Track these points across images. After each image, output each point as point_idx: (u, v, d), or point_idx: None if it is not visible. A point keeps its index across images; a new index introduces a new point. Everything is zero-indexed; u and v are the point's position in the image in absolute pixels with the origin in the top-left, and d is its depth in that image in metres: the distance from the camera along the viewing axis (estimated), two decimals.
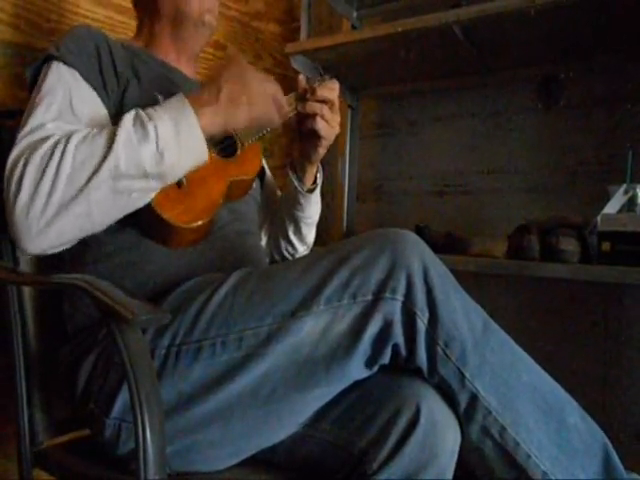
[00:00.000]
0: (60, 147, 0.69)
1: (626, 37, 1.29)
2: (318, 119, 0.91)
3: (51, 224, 0.68)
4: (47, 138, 0.71)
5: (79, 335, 0.81)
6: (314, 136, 0.94)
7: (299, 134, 0.97)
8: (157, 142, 0.70)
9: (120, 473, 0.73)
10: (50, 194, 0.67)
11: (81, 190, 0.68)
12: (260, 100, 0.80)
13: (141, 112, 0.72)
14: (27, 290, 0.86)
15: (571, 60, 1.41)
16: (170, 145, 0.71)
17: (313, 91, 0.91)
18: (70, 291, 0.83)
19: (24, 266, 0.84)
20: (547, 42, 1.32)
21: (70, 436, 0.87)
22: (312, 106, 0.91)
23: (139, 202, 0.74)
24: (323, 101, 0.91)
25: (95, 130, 0.72)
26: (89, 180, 0.68)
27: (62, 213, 0.68)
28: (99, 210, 0.70)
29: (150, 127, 0.70)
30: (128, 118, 0.71)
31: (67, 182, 0.68)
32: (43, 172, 0.68)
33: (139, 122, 0.70)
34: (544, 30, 1.24)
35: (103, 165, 0.68)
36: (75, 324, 0.82)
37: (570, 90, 1.43)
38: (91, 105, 0.81)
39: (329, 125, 0.93)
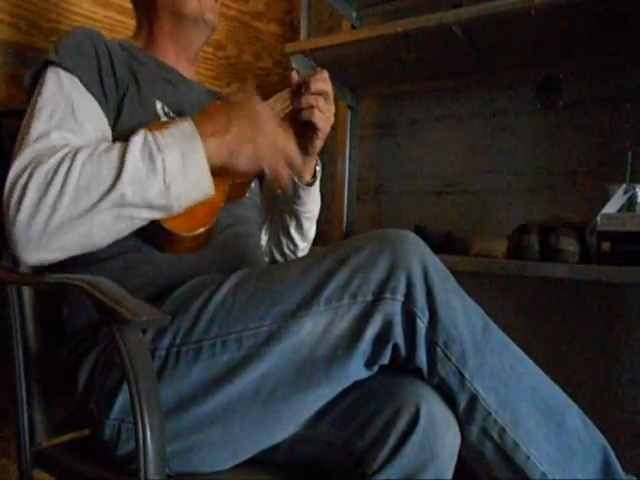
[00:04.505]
0: (65, 164, 0.68)
1: (625, 37, 1.29)
2: (314, 111, 0.91)
3: (51, 240, 0.68)
4: (52, 151, 0.71)
5: (79, 335, 0.81)
6: (310, 128, 0.94)
7: (295, 129, 0.97)
8: (164, 176, 0.69)
9: (120, 473, 0.73)
10: (52, 212, 0.67)
11: (84, 213, 0.68)
12: (267, 149, 0.77)
13: (150, 139, 0.71)
14: (27, 290, 0.86)
15: (571, 60, 1.41)
16: (177, 179, 0.70)
17: (307, 85, 0.91)
18: (70, 291, 0.83)
19: (24, 266, 0.84)
20: (547, 42, 1.32)
21: (70, 436, 0.87)
22: (307, 99, 0.91)
23: (141, 224, 0.73)
24: (318, 93, 0.91)
25: (101, 148, 0.71)
26: (93, 206, 0.68)
27: (63, 231, 0.68)
28: (100, 232, 0.70)
29: (158, 160, 0.69)
30: (136, 146, 0.70)
31: (70, 204, 0.67)
32: (46, 188, 0.67)
33: (147, 152, 0.69)
34: (544, 30, 1.24)
35: (109, 194, 0.68)
36: (75, 324, 0.82)
37: (570, 90, 1.43)
38: (91, 112, 0.81)
39: (324, 115, 0.93)
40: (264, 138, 0.77)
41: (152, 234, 0.79)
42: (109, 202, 0.68)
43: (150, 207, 0.70)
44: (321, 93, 0.91)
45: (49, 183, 0.68)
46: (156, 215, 0.73)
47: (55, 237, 0.68)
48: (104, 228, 0.70)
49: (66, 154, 0.70)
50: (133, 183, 0.68)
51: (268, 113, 0.80)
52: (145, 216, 0.72)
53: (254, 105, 0.79)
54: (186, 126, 0.74)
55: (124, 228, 0.72)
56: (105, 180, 0.68)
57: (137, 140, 0.71)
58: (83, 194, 0.67)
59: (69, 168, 0.68)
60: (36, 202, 0.67)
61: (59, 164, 0.69)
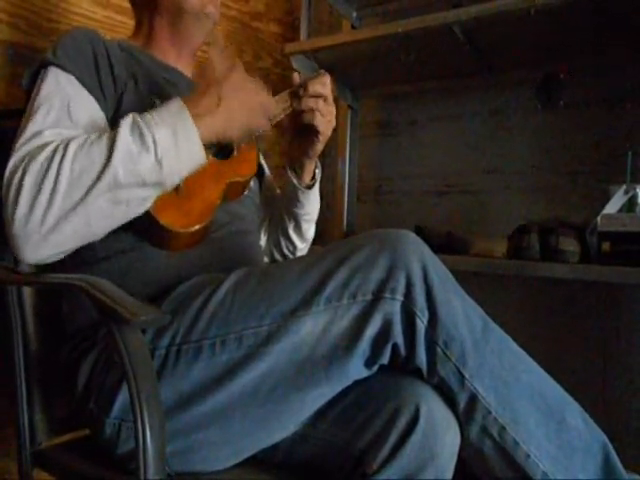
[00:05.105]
0: (58, 156, 0.68)
1: (625, 38, 1.29)
2: (315, 114, 0.91)
3: (50, 234, 0.68)
4: (45, 146, 0.71)
5: (79, 335, 0.81)
6: (311, 131, 0.94)
7: (296, 131, 0.97)
8: (156, 151, 0.69)
9: (120, 473, 0.73)
10: (48, 205, 0.67)
11: (80, 201, 0.67)
12: (255, 111, 0.81)
13: (138, 119, 0.71)
14: (27, 290, 0.86)
15: (571, 60, 1.41)
16: (168, 153, 0.70)
17: (306, 87, 0.91)
18: (70, 291, 0.83)
19: (24, 266, 0.84)
20: (547, 42, 1.32)
21: (70, 436, 0.87)
22: (307, 102, 0.91)
23: (138, 210, 0.73)
24: (317, 96, 0.91)
25: (93, 137, 0.71)
26: (88, 192, 0.67)
27: (61, 223, 0.68)
28: (98, 220, 0.70)
29: (148, 136, 0.69)
30: (125, 125, 0.70)
31: (65, 193, 0.67)
32: (41, 183, 0.67)
33: (137, 130, 0.69)
34: (544, 30, 1.24)
35: (102, 177, 0.67)
36: (75, 324, 0.82)
37: (570, 90, 1.43)
38: (89, 111, 0.81)
39: (325, 119, 0.93)
40: (252, 106, 0.80)
41: (149, 231, 0.79)
42: (102, 185, 0.67)
43: (144, 184, 0.70)
44: (319, 96, 0.91)
45: (43, 177, 0.67)
46: (151, 193, 0.72)
47: (54, 230, 0.68)
48: (101, 215, 0.69)
49: (57, 146, 0.70)
50: (124, 162, 0.68)
51: (248, 77, 0.82)
52: (140, 195, 0.71)
53: (239, 72, 0.81)
54: (174, 103, 0.74)
55: (121, 213, 0.71)
56: (96, 165, 0.68)
57: (126, 122, 0.71)
58: (77, 183, 0.67)
59: (61, 159, 0.68)
60: (32, 197, 0.67)
61: (52, 157, 0.69)
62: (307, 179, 1.03)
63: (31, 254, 0.69)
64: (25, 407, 0.83)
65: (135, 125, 0.70)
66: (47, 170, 0.68)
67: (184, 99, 0.74)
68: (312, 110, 0.91)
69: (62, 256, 0.73)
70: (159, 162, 0.69)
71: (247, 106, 0.80)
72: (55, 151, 0.69)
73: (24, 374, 0.83)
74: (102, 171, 0.67)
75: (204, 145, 0.74)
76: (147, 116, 0.71)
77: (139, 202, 0.72)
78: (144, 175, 0.69)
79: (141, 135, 0.69)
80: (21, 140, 0.73)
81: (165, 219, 0.77)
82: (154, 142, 0.69)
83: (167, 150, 0.70)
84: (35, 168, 0.68)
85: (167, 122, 0.71)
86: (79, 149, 0.69)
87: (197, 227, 0.81)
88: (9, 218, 0.68)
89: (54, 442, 0.86)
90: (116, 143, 0.68)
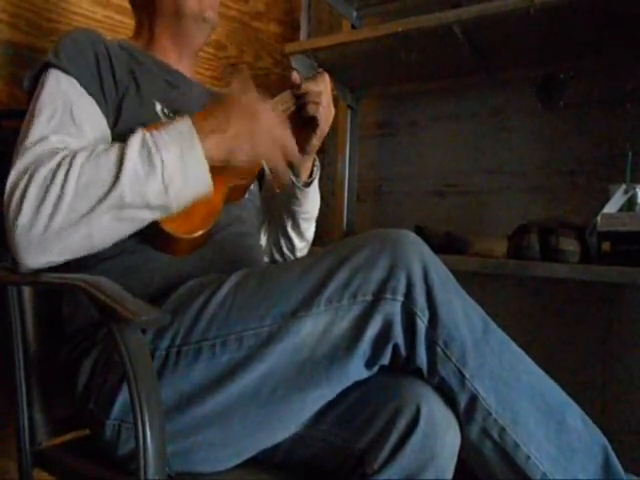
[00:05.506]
0: (64, 167, 0.68)
1: (625, 37, 1.29)
2: (318, 106, 0.93)
3: (52, 243, 0.68)
4: (51, 154, 0.71)
5: (79, 335, 0.81)
6: (310, 126, 0.95)
7: (294, 127, 0.98)
8: (163, 175, 0.69)
9: (120, 473, 0.73)
10: (52, 216, 0.67)
11: (84, 216, 0.68)
12: (266, 145, 0.78)
13: (148, 139, 0.70)
14: (27, 290, 0.86)
15: (571, 60, 1.41)
16: (175, 178, 0.70)
17: (307, 86, 0.93)
18: (70, 291, 0.83)
19: (24, 268, 0.84)
20: (547, 42, 1.32)
21: (70, 436, 0.87)
22: (311, 96, 0.93)
23: (141, 226, 0.73)
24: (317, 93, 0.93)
25: (99, 149, 0.71)
26: (92, 208, 0.67)
27: (63, 234, 0.68)
28: (101, 234, 0.70)
29: (157, 160, 0.69)
30: (134, 146, 0.69)
31: (70, 206, 0.67)
32: (46, 192, 0.67)
33: (146, 152, 0.69)
34: (544, 30, 1.24)
35: (108, 195, 0.67)
36: (75, 324, 0.82)
37: (570, 90, 1.43)
38: (90, 114, 0.81)
39: (327, 111, 0.95)
40: (262, 133, 0.77)
41: (151, 236, 0.79)
42: (108, 204, 0.68)
43: (149, 207, 0.70)
44: (319, 94, 0.93)
45: (48, 186, 0.67)
46: (155, 215, 0.72)
47: (56, 240, 0.68)
48: (104, 230, 0.70)
49: (64, 157, 0.70)
50: (132, 184, 0.68)
51: (265, 107, 0.80)
52: (144, 216, 0.71)
53: (251, 99, 0.79)
54: (184, 125, 0.73)
55: (124, 229, 0.72)
56: (104, 182, 0.68)
57: (135, 141, 0.70)
58: (82, 196, 0.67)
59: (68, 171, 0.68)
60: (36, 206, 0.67)
61: (58, 167, 0.69)
62: (304, 176, 1.03)
63: (32, 260, 0.70)
64: (25, 407, 0.83)
65: (144, 145, 0.70)
66: (53, 180, 0.68)
67: (194, 118, 0.74)
68: (316, 103, 0.92)
69: (61, 262, 0.73)
70: (165, 187, 0.69)
71: (259, 136, 0.77)
72: (62, 161, 0.69)
73: (24, 374, 0.83)
74: (109, 190, 0.68)
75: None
76: (156, 136, 0.71)
77: (142, 221, 0.72)
78: (150, 198, 0.69)
79: (149, 157, 0.69)
80: (26, 143, 0.73)
81: (168, 225, 0.77)
82: (162, 166, 0.69)
83: (174, 175, 0.70)
84: (41, 176, 0.68)
85: (176, 145, 0.71)
86: (86, 162, 0.69)
87: (200, 232, 0.81)
88: (11, 223, 0.68)
89: (54, 442, 0.86)
90: (124, 163, 0.68)
